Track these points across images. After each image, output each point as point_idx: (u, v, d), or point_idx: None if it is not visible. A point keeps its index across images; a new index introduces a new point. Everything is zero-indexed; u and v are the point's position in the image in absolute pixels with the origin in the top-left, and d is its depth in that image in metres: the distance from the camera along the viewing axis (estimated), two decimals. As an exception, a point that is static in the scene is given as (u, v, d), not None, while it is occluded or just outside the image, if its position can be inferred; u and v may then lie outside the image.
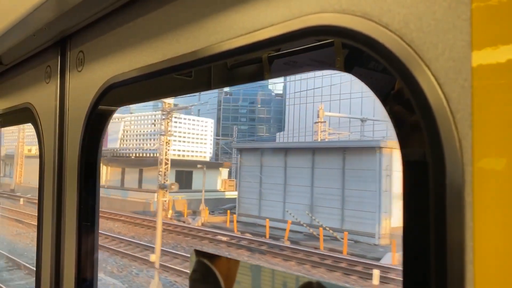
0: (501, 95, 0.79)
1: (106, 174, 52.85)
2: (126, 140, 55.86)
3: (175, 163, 44.77)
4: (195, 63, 1.58)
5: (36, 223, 2.72)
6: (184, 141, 54.81)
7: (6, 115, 3.31)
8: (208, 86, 1.99)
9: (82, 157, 2.28)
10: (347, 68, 1.25)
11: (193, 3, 1.57)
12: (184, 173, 48.92)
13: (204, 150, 57.68)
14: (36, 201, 2.87)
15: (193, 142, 55.95)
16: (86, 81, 2.25)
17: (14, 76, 3.12)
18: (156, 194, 39.80)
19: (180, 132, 53.44)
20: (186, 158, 53.47)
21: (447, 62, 0.88)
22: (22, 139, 63.58)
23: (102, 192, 40.22)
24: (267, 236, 30.24)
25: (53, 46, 2.52)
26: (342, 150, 31.26)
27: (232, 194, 46.95)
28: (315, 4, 1.15)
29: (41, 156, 2.66)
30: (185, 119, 55.44)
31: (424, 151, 0.92)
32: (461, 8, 0.85)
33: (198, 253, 1.69)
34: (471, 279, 0.82)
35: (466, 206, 0.83)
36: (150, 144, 52.39)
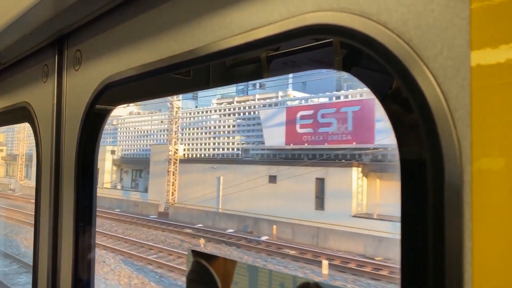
0: (500, 95, 0.79)
1: (375, 192, 29.13)
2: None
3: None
4: (192, 62, 1.58)
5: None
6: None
7: (3, 114, 3.29)
8: (206, 85, 1.95)
9: (79, 157, 2.27)
10: (346, 68, 1.23)
11: (190, 2, 1.57)
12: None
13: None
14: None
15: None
16: (83, 80, 2.23)
17: (11, 75, 3.11)
18: None
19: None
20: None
21: (446, 60, 0.87)
22: (175, 132, 41.09)
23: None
24: None
25: (50, 45, 2.50)
26: None
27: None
28: (313, 2, 1.14)
29: (38, 155, 2.65)
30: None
31: (423, 151, 0.91)
32: (460, 7, 0.85)
33: (195, 253, 1.69)
34: (470, 279, 0.82)
35: (464, 206, 0.83)
36: None
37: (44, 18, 2.09)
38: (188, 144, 42.72)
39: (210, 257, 1.65)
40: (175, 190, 39.30)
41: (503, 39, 0.79)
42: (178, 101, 42.43)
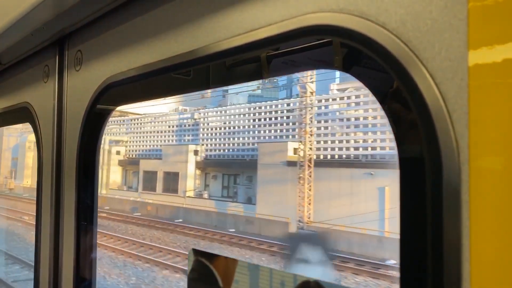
0: (497, 95, 0.80)
1: None
2: None
3: None
4: (193, 62, 1.59)
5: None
6: None
7: (4, 115, 3.29)
8: (206, 85, 1.96)
9: (80, 156, 2.28)
10: (346, 67, 1.24)
11: (191, 3, 1.58)
12: None
13: None
14: None
15: None
16: (84, 81, 2.25)
17: (13, 75, 3.12)
18: None
19: None
20: None
21: (444, 61, 0.89)
22: (309, 124, 31.21)
23: None
24: None
25: (51, 45, 2.52)
26: None
27: None
28: (312, 3, 1.16)
29: (39, 155, 2.66)
30: None
31: (421, 151, 0.93)
32: (458, 8, 0.86)
33: (197, 252, 1.69)
34: (468, 277, 0.83)
35: (462, 205, 0.84)
36: None
37: (45, 19, 2.09)
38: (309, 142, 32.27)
39: (211, 256, 1.64)
40: (310, 204, 29.03)
41: (500, 39, 0.79)
42: (311, 83, 31.81)
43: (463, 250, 0.84)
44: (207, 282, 1.62)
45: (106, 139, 49.43)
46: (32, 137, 59.29)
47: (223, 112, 41.77)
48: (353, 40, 1.06)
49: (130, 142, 50.63)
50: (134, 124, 50.92)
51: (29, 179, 58.68)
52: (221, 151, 40.77)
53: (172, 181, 42.01)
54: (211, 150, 41.70)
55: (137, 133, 49.91)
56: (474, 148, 0.83)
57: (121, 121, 52.86)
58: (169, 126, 46.53)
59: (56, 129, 2.46)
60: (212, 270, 1.59)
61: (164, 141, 46.34)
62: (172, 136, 45.90)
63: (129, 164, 49.20)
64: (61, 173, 2.43)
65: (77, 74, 2.30)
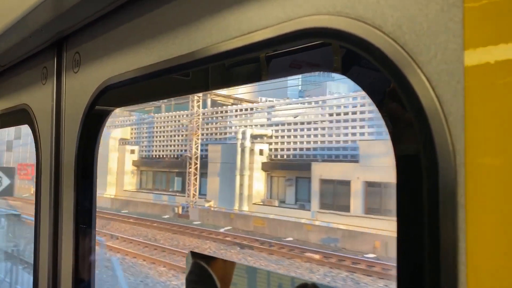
0: (493, 97, 0.80)
1: None
2: None
3: None
4: (190, 64, 1.60)
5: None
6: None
7: (2, 117, 3.30)
8: (205, 87, 1.97)
9: (78, 159, 2.27)
10: (344, 67, 1.24)
11: (188, 5, 1.59)
12: None
13: None
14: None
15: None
16: (83, 82, 2.25)
17: (11, 77, 3.12)
18: None
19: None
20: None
21: (440, 64, 0.89)
22: None
23: None
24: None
25: (49, 47, 2.52)
26: None
27: None
28: (309, 6, 1.16)
29: (38, 157, 2.67)
30: None
31: (418, 154, 0.93)
32: (453, 11, 0.87)
33: (194, 254, 1.70)
34: (464, 280, 0.84)
35: (459, 207, 0.85)
36: None
37: (43, 21, 2.09)
38: None
39: (209, 259, 1.64)
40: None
41: (496, 41, 0.79)
42: None
43: (459, 253, 0.84)
44: (205, 285, 1.61)
45: (246, 133, 35.12)
46: (117, 133, 45.55)
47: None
48: (350, 43, 1.06)
49: (276, 137, 36.22)
50: (277, 112, 36.57)
51: (113, 188, 44.79)
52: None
53: (384, 197, 27.46)
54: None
55: (286, 124, 35.52)
56: (470, 150, 0.83)
57: (250, 109, 38.62)
58: (349, 114, 32.03)
59: (54, 131, 2.46)
60: (210, 272, 1.59)
61: (348, 134, 31.75)
62: (357, 127, 31.34)
63: (277, 168, 35.03)
64: (59, 175, 2.42)
65: (75, 76, 2.30)
